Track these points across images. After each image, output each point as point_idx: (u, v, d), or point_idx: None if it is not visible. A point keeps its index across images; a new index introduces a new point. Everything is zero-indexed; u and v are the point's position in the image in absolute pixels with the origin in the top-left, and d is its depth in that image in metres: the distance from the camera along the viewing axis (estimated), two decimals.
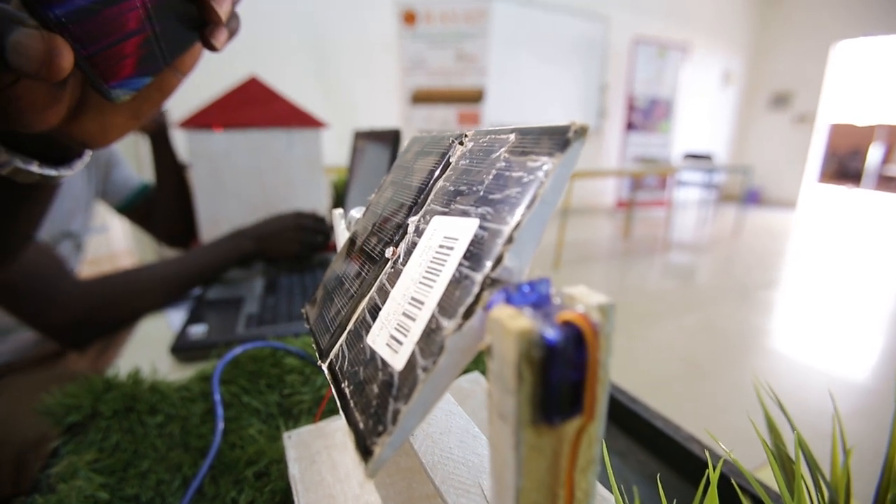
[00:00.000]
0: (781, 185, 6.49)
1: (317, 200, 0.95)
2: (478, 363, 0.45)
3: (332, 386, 0.21)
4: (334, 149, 2.73)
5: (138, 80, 0.24)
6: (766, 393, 0.24)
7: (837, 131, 8.69)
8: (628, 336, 2.20)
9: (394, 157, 0.58)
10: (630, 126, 5.26)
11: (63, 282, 0.66)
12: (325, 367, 0.23)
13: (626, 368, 1.91)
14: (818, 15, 5.92)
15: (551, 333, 0.10)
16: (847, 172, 9.55)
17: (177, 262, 0.73)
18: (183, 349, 0.55)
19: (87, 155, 0.33)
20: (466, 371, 0.41)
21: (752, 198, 6.37)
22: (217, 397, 0.41)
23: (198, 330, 0.58)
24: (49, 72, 0.20)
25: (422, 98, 3.30)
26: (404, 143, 0.33)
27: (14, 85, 0.22)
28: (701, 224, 5.03)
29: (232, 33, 0.26)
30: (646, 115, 5.30)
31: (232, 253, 0.76)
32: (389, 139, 0.60)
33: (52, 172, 0.30)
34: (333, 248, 0.90)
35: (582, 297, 0.12)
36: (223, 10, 0.24)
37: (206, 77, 1.54)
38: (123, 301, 0.68)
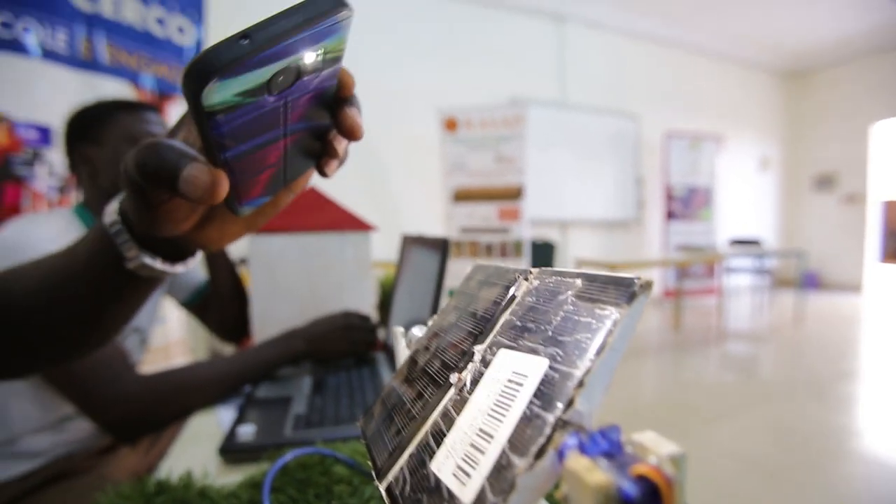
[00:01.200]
0: (841, 267, 6.15)
1: (365, 300, 0.98)
2: None
3: None
4: (381, 245, 2.86)
5: (262, 199, 0.28)
6: None
7: (894, 209, 8.32)
8: (685, 437, 2.00)
9: (443, 264, 0.61)
10: (670, 215, 5.25)
11: (125, 376, 0.69)
12: (382, 488, 0.23)
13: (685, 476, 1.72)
14: (849, 97, 6.01)
15: (628, 488, 0.11)
16: None
17: (231, 360, 0.76)
18: (231, 451, 0.55)
19: (199, 254, 0.37)
20: None
21: (810, 282, 6.03)
22: None
23: (246, 431, 0.58)
24: (209, 199, 0.23)
25: (463, 196, 3.47)
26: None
27: (167, 202, 0.26)
28: (757, 311, 4.76)
29: (341, 163, 0.30)
30: (685, 203, 5.30)
31: (284, 353, 0.79)
32: (439, 247, 0.63)
33: (169, 269, 0.33)
34: (379, 346, 0.91)
35: (653, 447, 0.12)
36: (341, 148, 0.28)
37: None
38: (179, 399, 0.71)
